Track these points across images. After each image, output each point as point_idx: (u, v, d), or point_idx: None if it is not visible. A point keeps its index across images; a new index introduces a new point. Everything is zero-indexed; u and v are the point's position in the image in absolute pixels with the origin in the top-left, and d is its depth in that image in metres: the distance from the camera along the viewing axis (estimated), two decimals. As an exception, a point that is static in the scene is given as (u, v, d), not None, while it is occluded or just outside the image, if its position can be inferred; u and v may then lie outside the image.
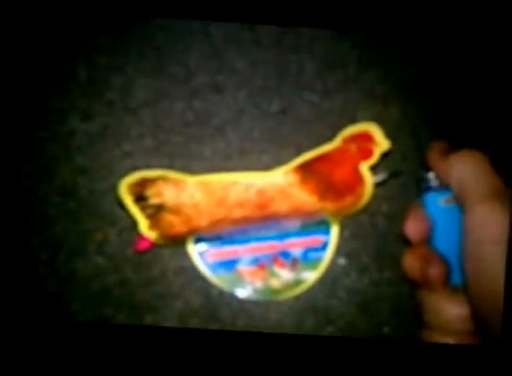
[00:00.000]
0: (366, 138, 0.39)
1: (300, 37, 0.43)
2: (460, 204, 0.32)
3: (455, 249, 0.32)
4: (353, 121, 0.39)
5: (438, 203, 0.35)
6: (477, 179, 0.31)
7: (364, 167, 0.39)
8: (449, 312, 0.33)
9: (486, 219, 0.30)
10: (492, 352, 0.30)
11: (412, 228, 0.35)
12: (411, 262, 0.34)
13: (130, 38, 0.43)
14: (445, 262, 0.33)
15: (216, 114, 0.42)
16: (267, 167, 0.39)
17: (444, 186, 0.34)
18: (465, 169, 0.32)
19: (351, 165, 0.39)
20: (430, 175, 0.35)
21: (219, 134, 0.42)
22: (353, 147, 0.39)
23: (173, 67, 0.43)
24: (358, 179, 0.39)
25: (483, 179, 0.31)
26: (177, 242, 0.40)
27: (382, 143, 0.38)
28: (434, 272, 0.33)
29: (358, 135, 0.39)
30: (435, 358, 0.32)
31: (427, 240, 0.35)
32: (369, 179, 0.39)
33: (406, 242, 0.35)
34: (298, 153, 0.39)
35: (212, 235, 0.40)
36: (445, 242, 0.34)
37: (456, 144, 0.34)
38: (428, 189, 0.35)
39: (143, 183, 0.38)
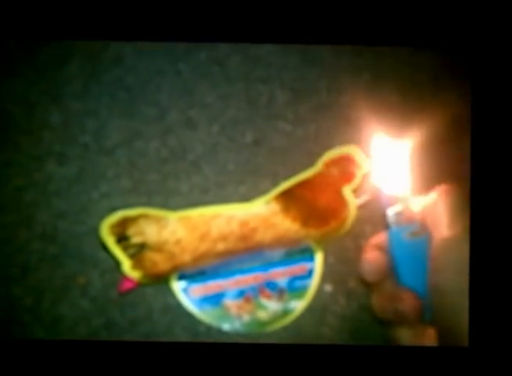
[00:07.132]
0: (348, 161, 0.39)
1: (268, 67, 0.44)
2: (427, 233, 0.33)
3: (423, 282, 0.32)
4: (328, 146, 0.40)
5: (402, 236, 0.34)
6: (451, 212, 0.32)
7: (347, 190, 0.39)
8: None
9: (445, 246, 0.31)
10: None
11: (368, 270, 0.35)
12: (380, 302, 0.34)
13: (100, 82, 0.43)
14: (415, 294, 0.33)
15: (191, 150, 0.43)
16: (244, 198, 0.40)
17: (408, 221, 0.34)
18: (441, 202, 0.33)
19: (334, 189, 0.39)
20: (393, 211, 0.35)
21: (195, 169, 0.42)
22: (335, 171, 0.39)
23: (145, 107, 0.43)
24: (342, 203, 0.39)
25: (455, 212, 0.32)
26: (161, 280, 0.40)
27: (364, 165, 0.38)
28: (406, 307, 0.32)
29: (339, 158, 0.39)
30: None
31: (390, 276, 0.34)
32: (353, 202, 0.39)
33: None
34: (275, 182, 0.39)
35: (196, 270, 0.40)
36: (412, 276, 0.33)
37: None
38: (392, 223, 0.35)
39: (124, 223, 0.38)
